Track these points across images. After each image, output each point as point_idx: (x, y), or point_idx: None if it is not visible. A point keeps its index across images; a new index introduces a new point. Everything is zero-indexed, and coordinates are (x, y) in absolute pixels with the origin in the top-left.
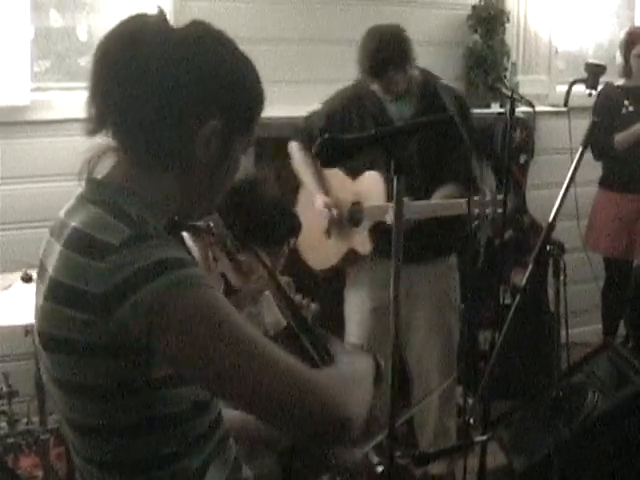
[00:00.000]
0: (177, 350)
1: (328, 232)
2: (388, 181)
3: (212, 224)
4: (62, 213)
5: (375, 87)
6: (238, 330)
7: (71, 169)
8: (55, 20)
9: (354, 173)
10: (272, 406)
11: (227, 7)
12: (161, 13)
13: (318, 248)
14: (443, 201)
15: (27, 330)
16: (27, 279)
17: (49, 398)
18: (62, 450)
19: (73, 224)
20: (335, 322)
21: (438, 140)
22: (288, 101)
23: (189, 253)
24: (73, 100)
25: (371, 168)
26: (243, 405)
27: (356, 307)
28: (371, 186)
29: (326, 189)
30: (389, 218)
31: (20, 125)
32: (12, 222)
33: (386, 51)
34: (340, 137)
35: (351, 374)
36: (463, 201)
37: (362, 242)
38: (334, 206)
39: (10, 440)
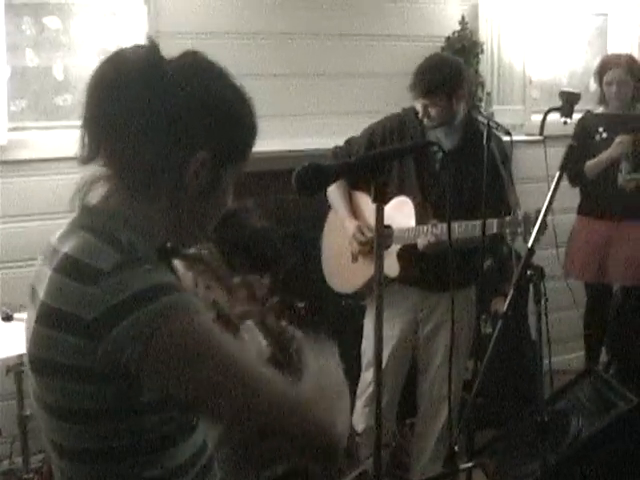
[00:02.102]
0: (166, 375)
1: (355, 256)
2: (419, 206)
3: (204, 252)
4: (54, 239)
5: (419, 108)
6: (228, 355)
7: (48, 208)
8: (31, 59)
9: (385, 199)
10: (267, 426)
11: (205, 44)
12: (152, 44)
13: (344, 272)
14: (474, 222)
15: (8, 368)
16: (7, 318)
17: (32, 437)
18: None
19: (64, 250)
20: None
21: (475, 175)
22: (270, 135)
23: (179, 280)
24: (50, 139)
25: (399, 193)
26: (232, 429)
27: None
28: (401, 210)
29: (355, 213)
30: (421, 242)
31: None
32: None
33: (438, 73)
34: (321, 165)
35: (333, 386)
36: (494, 221)
37: (390, 265)
38: (366, 229)
39: None
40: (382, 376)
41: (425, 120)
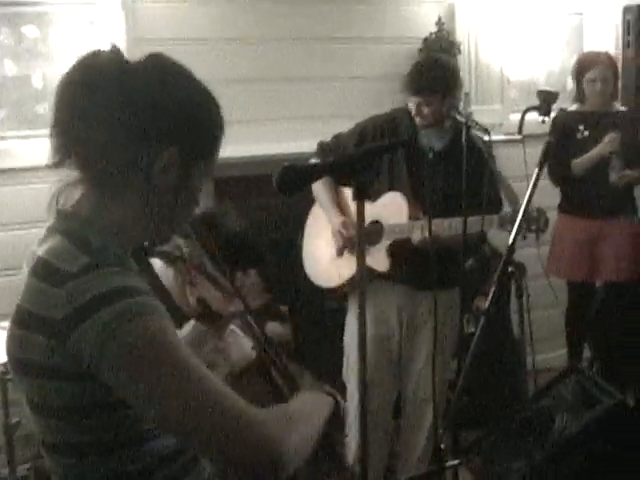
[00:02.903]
0: (119, 378)
1: (340, 251)
2: (411, 202)
3: (186, 249)
4: (35, 245)
5: (412, 106)
6: (180, 360)
7: (31, 217)
8: (10, 69)
9: (374, 195)
10: (206, 436)
11: (183, 50)
12: (115, 48)
13: (328, 266)
14: (471, 218)
15: None
16: None
17: (18, 446)
18: None
19: (39, 253)
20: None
21: (465, 173)
22: (245, 140)
23: (156, 279)
24: (31, 148)
25: (392, 188)
26: (178, 432)
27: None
28: (392, 205)
29: (341, 209)
30: (415, 237)
31: None
32: None
33: (435, 72)
34: (299, 165)
35: (298, 412)
36: (490, 217)
37: (380, 260)
38: (351, 225)
39: None
40: (367, 378)
41: (417, 119)
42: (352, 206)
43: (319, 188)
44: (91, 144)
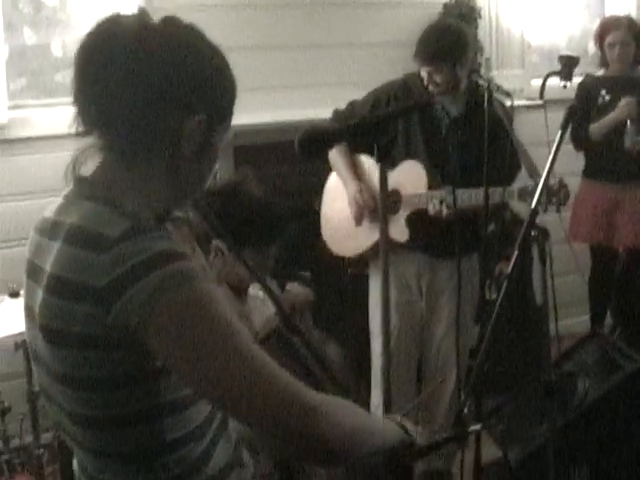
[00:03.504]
0: (167, 342)
1: (359, 219)
2: (430, 171)
3: (191, 215)
4: (50, 213)
5: (424, 75)
6: (227, 326)
7: (51, 185)
8: (29, 38)
9: (391, 163)
10: (247, 403)
11: (200, 17)
12: (142, 11)
13: (347, 236)
14: (491, 189)
15: (16, 343)
16: (14, 294)
17: (42, 414)
18: (56, 468)
19: (70, 221)
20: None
21: (482, 139)
22: (264, 108)
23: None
24: (51, 117)
25: (406, 158)
26: (224, 403)
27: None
28: (410, 174)
29: (358, 176)
30: (432, 207)
31: None
32: None
33: (442, 40)
34: (321, 128)
35: (359, 413)
36: (502, 190)
37: (399, 230)
38: (368, 191)
39: (4, 457)
40: (392, 345)
41: (430, 87)
42: (369, 174)
43: (335, 156)
44: (115, 111)
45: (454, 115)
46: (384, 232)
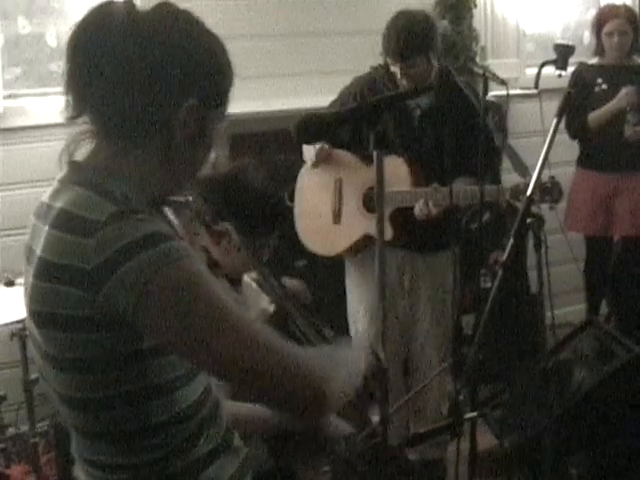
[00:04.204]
0: (160, 321)
1: (337, 217)
2: (411, 166)
3: (190, 199)
4: (45, 197)
5: (397, 70)
6: (219, 302)
7: (47, 174)
8: (23, 27)
9: (368, 159)
10: (249, 375)
11: (197, 5)
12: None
13: (324, 234)
14: (476, 187)
15: (12, 332)
16: (9, 283)
17: (38, 403)
18: (52, 456)
19: (59, 205)
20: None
21: (457, 129)
22: (261, 96)
23: (172, 228)
24: (46, 106)
25: (387, 153)
26: (221, 374)
27: (361, 296)
28: (392, 171)
29: (339, 176)
30: (418, 209)
31: None
32: None
33: (414, 34)
34: (320, 113)
35: (337, 355)
36: (496, 187)
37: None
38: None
39: (0, 446)
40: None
41: (404, 82)
42: (347, 171)
43: (308, 149)
44: (107, 96)
45: (425, 106)
46: (381, 221)
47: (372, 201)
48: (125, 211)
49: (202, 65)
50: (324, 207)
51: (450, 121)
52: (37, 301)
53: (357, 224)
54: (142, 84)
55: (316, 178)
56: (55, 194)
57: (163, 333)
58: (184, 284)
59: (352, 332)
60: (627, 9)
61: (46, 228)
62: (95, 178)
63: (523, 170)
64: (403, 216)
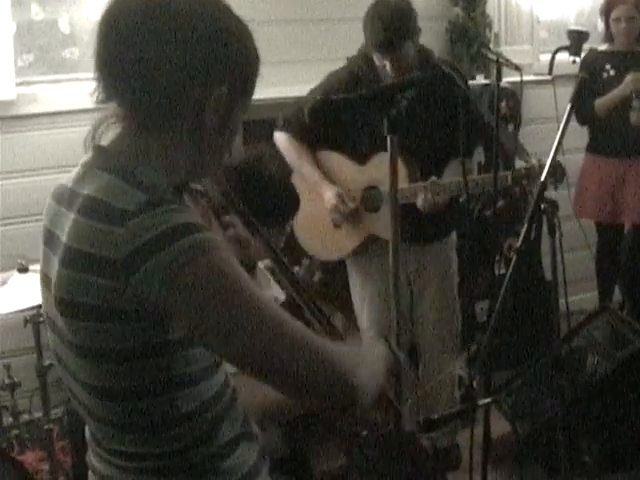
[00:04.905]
0: (191, 310)
1: (340, 224)
2: (407, 161)
3: (206, 187)
4: (69, 181)
5: (386, 62)
6: (250, 294)
7: (60, 161)
8: (36, 14)
9: (360, 158)
10: (279, 367)
11: None
12: None
13: (326, 238)
14: (481, 176)
15: (26, 319)
16: (23, 270)
17: (52, 390)
18: (66, 443)
19: (85, 192)
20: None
21: (445, 112)
22: (275, 83)
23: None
24: (59, 93)
25: (377, 151)
26: (251, 367)
27: (363, 293)
28: (387, 169)
29: (331, 179)
30: (420, 202)
31: (7, 120)
32: (1, 218)
33: (401, 23)
34: (333, 98)
35: (362, 351)
36: (504, 174)
37: (385, 227)
38: (348, 197)
39: (14, 432)
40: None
41: (392, 74)
42: (340, 173)
43: (294, 156)
44: (139, 80)
45: (410, 95)
46: (394, 219)
47: (372, 201)
48: (155, 201)
49: (232, 52)
50: (323, 211)
51: (436, 105)
52: (64, 289)
53: (360, 226)
54: (173, 69)
55: (304, 183)
56: (80, 179)
57: (194, 323)
58: (216, 274)
59: (359, 325)
60: None
61: (72, 215)
62: (122, 164)
63: (525, 157)
64: (405, 211)
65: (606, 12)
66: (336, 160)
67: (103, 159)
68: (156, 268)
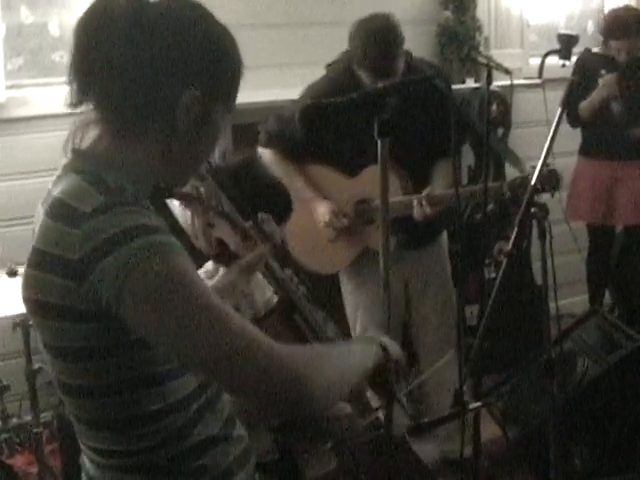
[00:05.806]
0: (139, 315)
1: (335, 240)
2: (398, 175)
3: (202, 190)
4: (51, 184)
5: (367, 80)
6: (201, 297)
7: (49, 165)
8: (26, 17)
9: (350, 171)
10: (231, 373)
11: None
12: None
13: (320, 253)
14: (478, 187)
15: (15, 323)
16: (12, 273)
17: (42, 394)
18: (55, 447)
19: (54, 193)
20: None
21: (428, 116)
22: (264, 86)
23: (173, 220)
24: (49, 96)
25: (366, 163)
26: (202, 370)
27: (357, 301)
28: (378, 181)
29: (323, 195)
30: (417, 213)
31: None
32: None
33: (395, 48)
34: (323, 102)
35: (334, 354)
36: (497, 185)
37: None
38: (341, 213)
39: (4, 436)
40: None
41: (380, 84)
42: (330, 187)
43: (284, 174)
44: (110, 83)
45: (394, 104)
46: (385, 230)
47: (367, 214)
48: (113, 203)
49: (206, 55)
50: (317, 226)
51: (419, 108)
52: (29, 289)
53: (354, 239)
54: (144, 70)
55: (299, 199)
56: (56, 181)
57: (143, 327)
58: (162, 279)
59: (352, 333)
60: (637, 21)
61: (42, 216)
62: (92, 166)
63: (518, 163)
64: (398, 220)
65: (606, 35)
66: (325, 174)
67: (76, 162)
68: (105, 271)
